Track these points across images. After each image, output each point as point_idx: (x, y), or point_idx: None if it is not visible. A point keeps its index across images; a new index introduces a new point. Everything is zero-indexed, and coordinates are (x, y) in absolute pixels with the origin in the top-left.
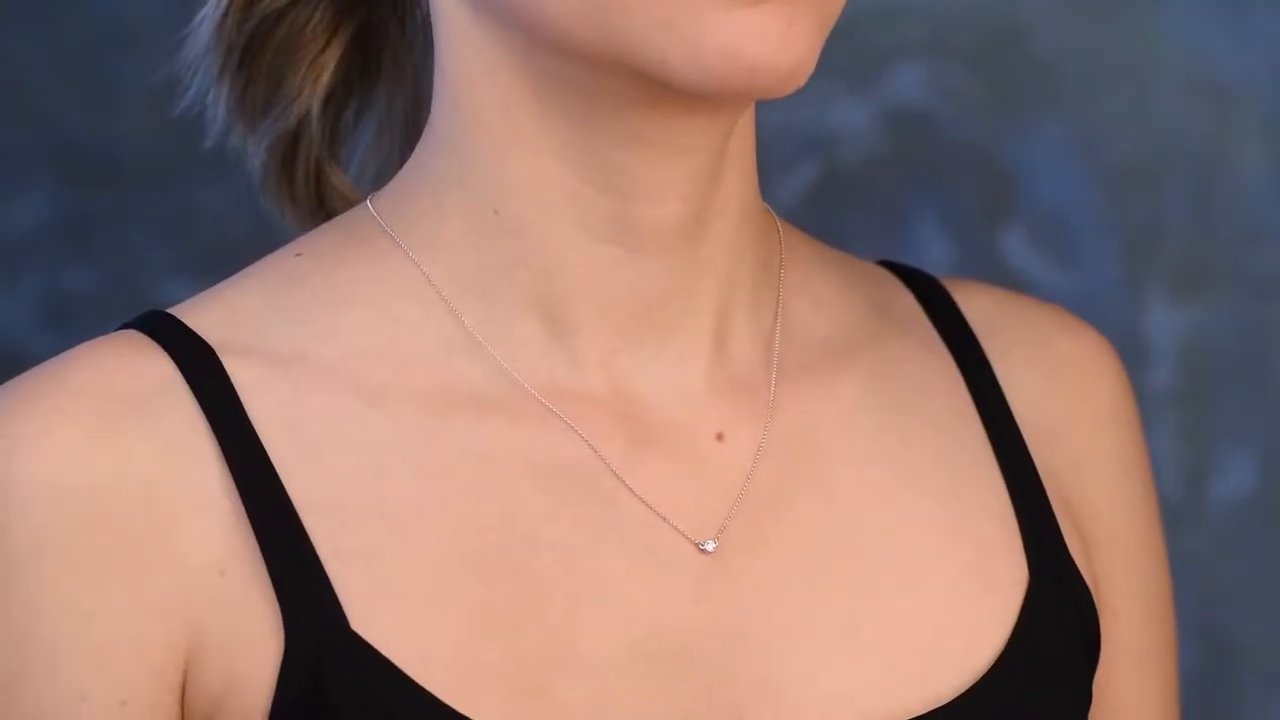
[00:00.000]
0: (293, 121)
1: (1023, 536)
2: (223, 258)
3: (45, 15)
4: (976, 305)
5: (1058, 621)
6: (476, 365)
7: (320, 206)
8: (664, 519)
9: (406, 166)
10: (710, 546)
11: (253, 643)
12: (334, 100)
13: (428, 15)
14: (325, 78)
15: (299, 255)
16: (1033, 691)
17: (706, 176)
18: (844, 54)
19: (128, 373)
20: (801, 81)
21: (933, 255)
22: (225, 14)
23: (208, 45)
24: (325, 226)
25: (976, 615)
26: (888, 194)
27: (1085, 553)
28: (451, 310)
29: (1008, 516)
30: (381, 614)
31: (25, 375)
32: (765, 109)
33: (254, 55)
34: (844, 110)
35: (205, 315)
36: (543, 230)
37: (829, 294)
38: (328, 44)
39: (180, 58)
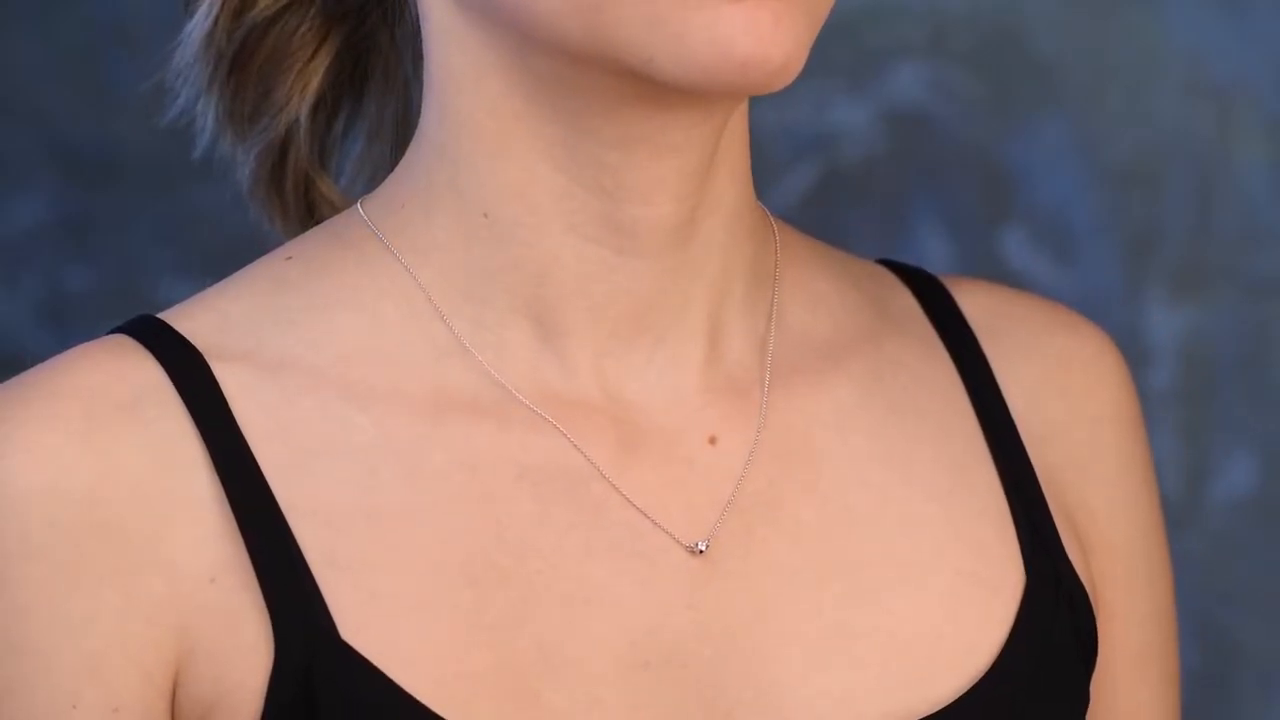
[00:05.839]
0: (281, 130)
1: (1019, 538)
2: (222, 258)
3: (44, 15)
4: (976, 303)
5: (1054, 624)
6: (466, 370)
7: (310, 216)
8: (655, 523)
9: (396, 171)
10: (702, 548)
11: (243, 651)
12: (322, 109)
13: (417, 20)
14: (313, 86)
15: (289, 259)
16: (1030, 694)
17: (698, 175)
18: (844, 54)
19: (116, 378)
20: (790, 78)
21: (932, 255)
22: (215, 22)
23: (196, 54)
24: (315, 230)
25: (974, 618)
26: (888, 194)
27: (1083, 554)
28: (441, 314)
29: (1004, 518)
30: (370, 622)
31: (13, 381)
32: (764, 109)
33: (243, 64)
34: (844, 110)
35: (195, 320)
36: (533, 233)
37: (827, 293)
38: (316, 52)
39: (170, 66)
